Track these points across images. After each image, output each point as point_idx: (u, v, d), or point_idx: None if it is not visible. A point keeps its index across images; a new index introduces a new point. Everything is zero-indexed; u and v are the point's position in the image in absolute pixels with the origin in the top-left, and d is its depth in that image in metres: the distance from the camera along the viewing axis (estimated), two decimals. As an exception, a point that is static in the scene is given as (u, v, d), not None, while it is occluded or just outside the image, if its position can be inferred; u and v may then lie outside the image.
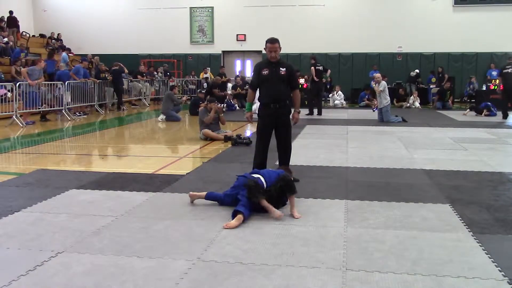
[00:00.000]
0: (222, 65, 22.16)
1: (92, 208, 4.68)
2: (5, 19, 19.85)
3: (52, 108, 13.65)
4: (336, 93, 19.20)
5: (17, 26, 20.14)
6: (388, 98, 13.01)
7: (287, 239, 3.83)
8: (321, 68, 14.88)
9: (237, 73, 21.16)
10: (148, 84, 19.40)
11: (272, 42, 5.43)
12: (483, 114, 15.14)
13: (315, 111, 14.73)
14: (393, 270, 3.24)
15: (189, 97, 16.92)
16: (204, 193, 4.84)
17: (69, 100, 14.04)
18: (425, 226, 4.16)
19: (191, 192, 4.88)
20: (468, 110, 15.67)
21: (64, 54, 19.14)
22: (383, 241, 3.78)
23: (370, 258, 3.44)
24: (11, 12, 19.85)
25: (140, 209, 4.66)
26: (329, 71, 15.80)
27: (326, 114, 15.00)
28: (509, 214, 4.52)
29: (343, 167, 6.73)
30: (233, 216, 4.23)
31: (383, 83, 13.05)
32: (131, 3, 23.25)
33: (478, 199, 5.02)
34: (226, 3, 22.64)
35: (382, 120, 12.82)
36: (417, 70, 20.06)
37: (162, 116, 13.34)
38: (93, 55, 19.63)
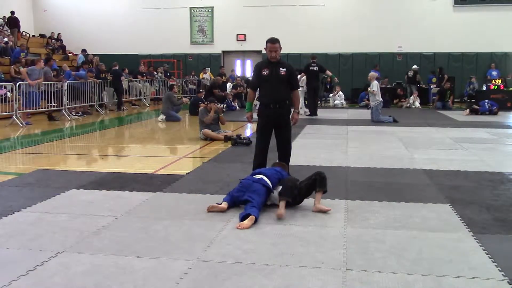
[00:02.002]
0: (222, 65, 22.16)
1: (92, 208, 4.68)
2: (6, 19, 19.86)
3: (52, 108, 13.63)
4: (337, 93, 19.19)
5: (18, 26, 20.13)
6: (378, 98, 12.98)
7: (287, 239, 3.83)
8: (315, 68, 14.71)
9: (235, 73, 21.17)
10: (148, 84, 19.40)
11: (273, 42, 5.42)
12: (468, 112, 15.25)
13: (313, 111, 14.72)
14: (393, 270, 3.24)
15: (189, 98, 16.92)
16: (225, 206, 4.54)
17: (65, 100, 14.00)
18: (425, 226, 4.16)
19: (210, 205, 4.55)
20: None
21: (81, 55, 19.07)
22: (383, 241, 3.78)
23: (370, 258, 3.44)
24: (12, 13, 19.86)
25: (140, 209, 4.66)
26: (328, 71, 15.38)
27: (326, 114, 15.00)
28: (509, 214, 4.52)
29: (343, 167, 6.73)
30: (244, 217, 4.20)
31: (375, 83, 13.04)
32: (131, 3, 23.24)
33: (478, 199, 5.02)
34: (226, 3, 22.64)
35: (374, 120, 12.82)
36: (415, 66, 19.83)
37: (162, 116, 13.34)
38: (94, 55, 19.63)
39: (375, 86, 12.92)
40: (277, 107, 5.48)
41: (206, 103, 9.94)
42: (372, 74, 13.53)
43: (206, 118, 9.39)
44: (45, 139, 10.14)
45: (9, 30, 19.60)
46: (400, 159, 7.38)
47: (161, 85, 20.39)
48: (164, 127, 12.34)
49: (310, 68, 14.62)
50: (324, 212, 4.49)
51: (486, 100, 15.68)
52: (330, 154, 7.74)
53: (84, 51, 20.06)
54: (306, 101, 15.03)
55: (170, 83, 18.54)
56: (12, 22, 19.81)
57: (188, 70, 22.47)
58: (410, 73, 19.63)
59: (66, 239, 3.79)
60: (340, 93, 19.30)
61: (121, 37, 22.94)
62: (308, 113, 14.41)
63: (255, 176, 4.73)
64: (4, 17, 19.99)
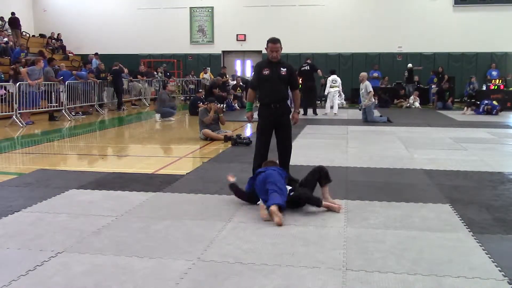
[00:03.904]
0: (222, 65, 22.16)
1: (92, 208, 4.68)
2: (6, 20, 19.86)
3: (51, 109, 13.64)
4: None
5: (19, 27, 20.15)
6: (372, 99, 12.93)
7: (287, 239, 3.82)
8: (307, 67, 14.77)
9: (236, 73, 21.18)
10: (146, 84, 19.34)
11: (274, 42, 5.41)
12: (468, 111, 15.33)
13: (309, 111, 14.78)
14: (393, 270, 3.24)
15: (188, 98, 16.90)
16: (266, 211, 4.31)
17: (64, 100, 14.01)
18: (425, 226, 4.16)
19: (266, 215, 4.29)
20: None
21: (94, 60, 19.08)
22: (383, 241, 3.78)
23: (370, 258, 3.44)
24: (13, 13, 19.92)
25: (140, 209, 4.66)
26: (319, 71, 15.25)
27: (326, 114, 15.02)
28: (509, 214, 4.52)
29: (343, 167, 6.73)
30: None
31: (368, 83, 13.00)
32: (131, 3, 23.24)
33: (478, 199, 5.02)
34: (226, 3, 22.64)
35: (366, 120, 12.77)
36: (409, 65, 19.91)
37: (156, 115, 13.33)
38: (95, 55, 19.63)
39: (370, 86, 12.88)
40: (277, 107, 5.48)
41: (206, 103, 9.93)
42: (363, 74, 13.42)
43: (206, 118, 9.39)
44: (45, 139, 10.14)
45: (9, 30, 19.60)
46: (400, 159, 7.38)
47: (161, 85, 20.41)
48: (164, 127, 12.34)
49: (302, 68, 14.78)
50: (333, 210, 4.54)
51: (485, 101, 15.64)
52: (330, 154, 7.74)
53: (96, 54, 19.96)
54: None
55: (171, 83, 18.56)
56: (14, 22, 19.84)
57: (188, 70, 22.49)
58: (406, 74, 19.73)
59: (66, 239, 3.79)
60: (341, 93, 19.28)
61: (121, 37, 22.95)
62: (302, 112, 14.43)
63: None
64: (1, 17, 19.97)
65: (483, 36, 20.51)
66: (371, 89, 12.86)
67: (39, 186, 5.53)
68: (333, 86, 15.23)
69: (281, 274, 3.17)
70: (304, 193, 4.56)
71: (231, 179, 4.99)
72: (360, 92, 13.25)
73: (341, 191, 5.30)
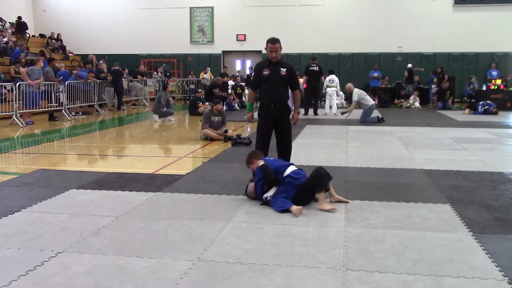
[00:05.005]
0: (223, 65, 22.16)
1: (92, 208, 4.68)
2: (5, 20, 19.92)
3: (52, 109, 13.63)
4: (337, 93, 19.19)
5: (23, 30, 20.26)
6: (367, 102, 12.87)
7: (287, 239, 3.82)
8: (315, 68, 14.83)
9: (236, 73, 21.18)
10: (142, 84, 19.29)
11: (273, 42, 5.42)
12: (468, 111, 15.44)
13: (310, 111, 14.80)
14: (393, 270, 3.24)
15: (188, 98, 16.89)
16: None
17: (64, 100, 14.00)
18: (425, 226, 4.16)
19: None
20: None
21: (101, 62, 19.11)
22: (383, 241, 3.78)
23: (370, 258, 3.44)
24: (19, 17, 20.03)
25: (140, 209, 4.66)
26: (322, 77, 15.42)
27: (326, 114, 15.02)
28: (509, 214, 4.52)
29: (343, 167, 6.73)
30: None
31: (356, 91, 12.97)
32: (131, 3, 23.25)
33: (478, 199, 5.02)
34: (226, 3, 22.64)
35: (360, 121, 12.78)
36: (409, 65, 19.96)
37: (154, 116, 13.31)
38: (97, 56, 19.58)
39: (355, 96, 12.88)
40: (277, 107, 5.48)
41: (212, 104, 9.89)
42: (349, 85, 13.48)
43: (205, 129, 9.36)
44: (45, 139, 10.14)
45: (9, 30, 19.61)
46: (400, 159, 7.38)
47: (161, 85, 20.41)
48: (164, 127, 12.34)
49: (310, 68, 14.84)
50: (327, 211, 4.51)
51: (481, 102, 15.74)
52: (330, 154, 7.74)
53: (104, 57, 19.94)
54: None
55: (171, 83, 18.55)
56: (21, 26, 19.93)
57: (188, 70, 22.50)
58: (405, 73, 19.76)
59: (66, 239, 3.79)
60: (340, 93, 19.27)
61: (121, 37, 22.96)
62: (303, 112, 14.44)
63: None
64: (3, 19, 20.05)
65: (483, 36, 20.51)
66: (356, 99, 12.85)
67: (39, 186, 5.53)
68: (330, 86, 15.26)
69: (281, 274, 3.17)
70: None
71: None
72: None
73: (341, 191, 5.29)
